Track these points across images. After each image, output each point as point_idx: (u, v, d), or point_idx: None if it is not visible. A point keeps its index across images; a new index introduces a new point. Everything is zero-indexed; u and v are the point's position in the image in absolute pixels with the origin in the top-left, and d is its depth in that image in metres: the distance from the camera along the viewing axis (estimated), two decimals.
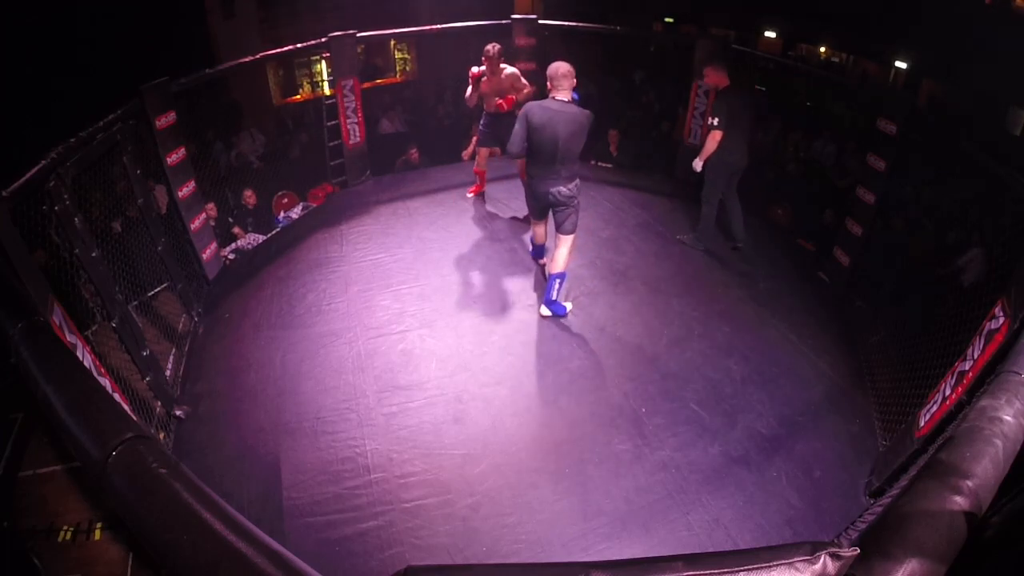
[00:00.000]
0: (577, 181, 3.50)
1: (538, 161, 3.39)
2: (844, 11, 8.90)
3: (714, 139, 4.06)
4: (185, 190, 4.02)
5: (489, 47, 4.34)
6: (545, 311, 3.75)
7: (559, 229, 3.63)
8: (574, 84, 3.36)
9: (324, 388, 3.30)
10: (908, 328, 3.54)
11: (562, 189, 3.44)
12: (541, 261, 4.18)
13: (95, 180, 3.39)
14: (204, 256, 4.23)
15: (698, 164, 4.22)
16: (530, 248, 4.34)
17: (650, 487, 2.78)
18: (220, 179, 5.33)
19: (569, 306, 3.81)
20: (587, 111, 3.32)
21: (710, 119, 4.10)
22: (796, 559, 0.93)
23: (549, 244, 4.04)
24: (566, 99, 3.31)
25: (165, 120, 3.79)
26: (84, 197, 3.09)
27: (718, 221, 4.54)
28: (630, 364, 3.48)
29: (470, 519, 2.63)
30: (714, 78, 4.19)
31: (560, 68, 3.32)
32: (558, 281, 3.66)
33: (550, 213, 3.70)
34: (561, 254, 3.62)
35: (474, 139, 5.99)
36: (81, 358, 2.15)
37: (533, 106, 3.29)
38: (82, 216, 2.87)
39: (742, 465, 2.91)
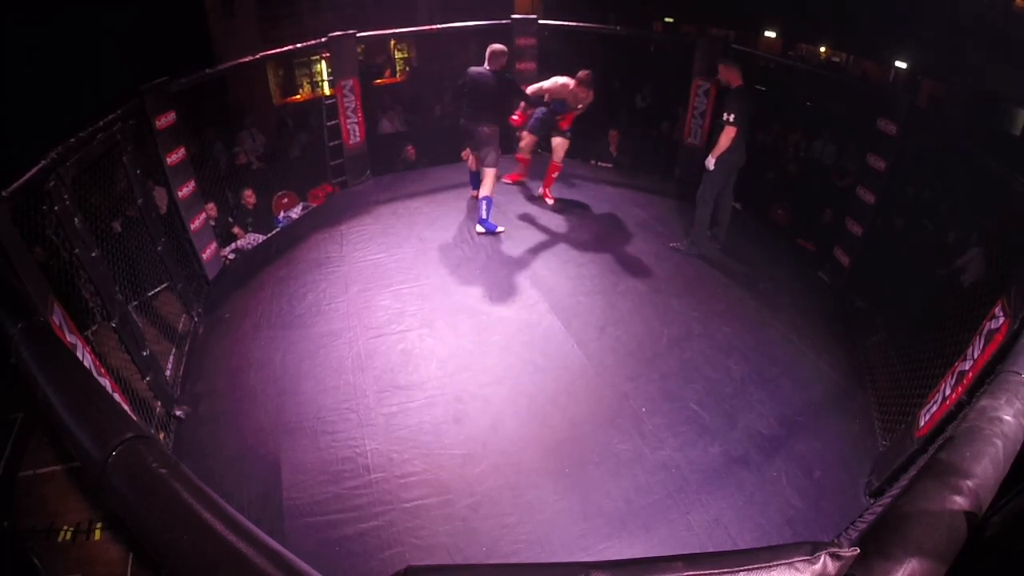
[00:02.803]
0: (492, 128, 4.49)
1: (465, 106, 4.49)
2: (844, 11, 8.90)
3: (728, 135, 4.06)
4: (185, 190, 4.02)
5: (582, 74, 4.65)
6: (479, 228, 4.63)
7: (483, 163, 4.59)
8: (499, 61, 4.40)
9: (324, 388, 3.30)
10: (908, 328, 3.54)
11: (483, 128, 4.47)
12: (473, 192, 5.05)
13: (95, 180, 3.39)
14: (204, 256, 4.23)
15: (711, 161, 4.19)
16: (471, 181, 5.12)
17: (650, 487, 2.78)
18: (220, 179, 5.33)
19: (501, 229, 4.65)
20: (501, 74, 4.41)
21: (725, 115, 4.06)
22: (796, 559, 0.93)
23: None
24: (487, 68, 4.40)
25: (165, 120, 3.79)
26: (84, 197, 3.09)
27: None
28: (630, 364, 3.48)
29: (470, 519, 2.63)
30: (727, 75, 4.14)
31: (490, 48, 4.42)
32: (484, 203, 4.61)
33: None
34: (485, 182, 4.61)
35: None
36: (81, 358, 2.15)
37: (470, 69, 4.46)
38: (82, 216, 2.87)
39: (742, 465, 2.91)
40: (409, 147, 6.20)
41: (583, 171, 5.88)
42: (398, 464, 2.86)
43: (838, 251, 4.31)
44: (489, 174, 4.59)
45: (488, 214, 4.63)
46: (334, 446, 2.96)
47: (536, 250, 4.52)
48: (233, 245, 4.88)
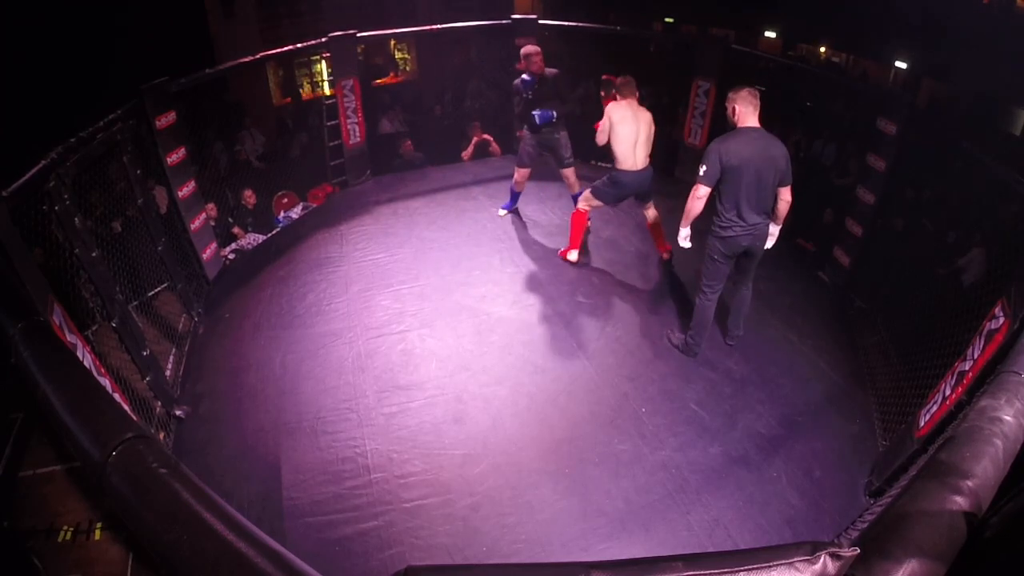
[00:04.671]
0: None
1: None
2: (844, 11, 8.90)
3: (694, 195, 3.07)
4: (185, 190, 4.02)
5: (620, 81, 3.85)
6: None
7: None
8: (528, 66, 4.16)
9: (324, 388, 3.31)
10: (908, 328, 3.54)
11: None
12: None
13: (95, 180, 3.39)
14: (204, 256, 4.23)
15: (683, 236, 3.26)
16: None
17: (650, 487, 2.78)
18: (220, 179, 5.33)
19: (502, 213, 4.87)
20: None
21: (699, 165, 3.04)
22: (796, 559, 0.93)
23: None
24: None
25: (165, 120, 3.79)
26: (84, 197, 3.09)
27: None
28: (630, 364, 3.48)
29: (470, 519, 2.63)
30: (731, 109, 3.03)
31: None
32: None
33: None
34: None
35: (474, 140, 5.99)
36: (81, 358, 2.14)
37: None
38: (82, 216, 2.87)
39: (742, 465, 2.91)
40: (407, 141, 6.17)
41: (583, 171, 5.86)
42: (398, 464, 2.87)
43: (838, 251, 4.31)
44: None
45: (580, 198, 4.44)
46: (334, 446, 2.96)
47: (536, 250, 4.52)
48: (233, 245, 4.87)
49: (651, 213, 4.25)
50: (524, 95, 4.25)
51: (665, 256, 4.36)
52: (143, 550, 1.95)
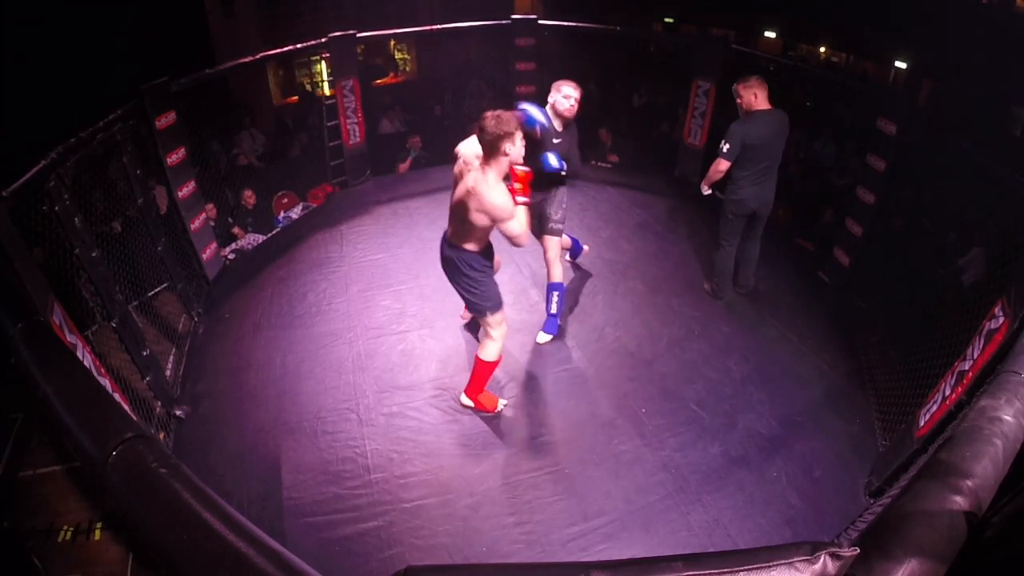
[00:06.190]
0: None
1: None
2: (844, 11, 8.90)
3: (717, 167, 3.51)
4: (185, 190, 4.02)
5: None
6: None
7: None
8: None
9: (324, 388, 3.31)
10: (908, 328, 3.54)
11: None
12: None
13: (95, 180, 3.39)
14: (204, 256, 4.23)
15: (704, 188, 3.72)
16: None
17: (650, 487, 2.78)
18: (220, 179, 5.33)
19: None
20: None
21: (722, 143, 3.45)
22: (796, 559, 0.93)
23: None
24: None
25: (165, 120, 3.79)
26: (84, 197, 3.09)
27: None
28: (630, 364, 3.48)
29: (470, 519, 2.63)
30: (747, 97, 3.42)
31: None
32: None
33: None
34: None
35: None
36: (81, 358, 2.14)
37: None
38: (82, 216, 2.87)
39: (742, 465, 2.91)
40: (414, 137, 6.17)
41: (583, 171, 5.88)
42: (398, 464, 2.87)
43: (838, 251, 4.31)
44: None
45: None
46: (334, 446, 2.96)
47: (536, 251, 4.50)
48: (233, 245, 4.88)
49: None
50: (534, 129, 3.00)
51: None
52: (143, 550, 1.95)
